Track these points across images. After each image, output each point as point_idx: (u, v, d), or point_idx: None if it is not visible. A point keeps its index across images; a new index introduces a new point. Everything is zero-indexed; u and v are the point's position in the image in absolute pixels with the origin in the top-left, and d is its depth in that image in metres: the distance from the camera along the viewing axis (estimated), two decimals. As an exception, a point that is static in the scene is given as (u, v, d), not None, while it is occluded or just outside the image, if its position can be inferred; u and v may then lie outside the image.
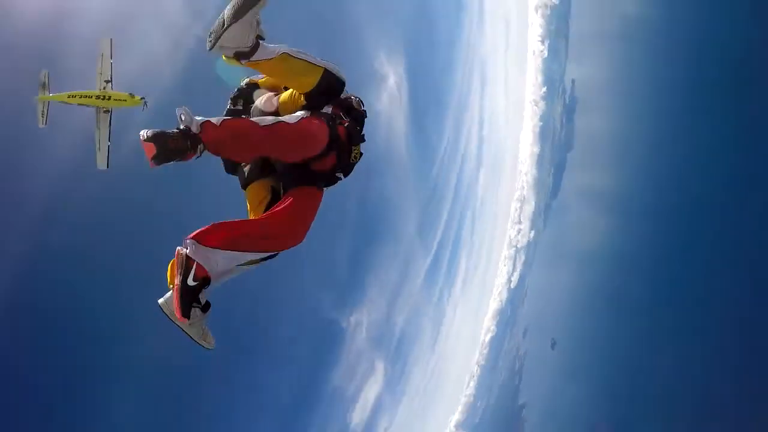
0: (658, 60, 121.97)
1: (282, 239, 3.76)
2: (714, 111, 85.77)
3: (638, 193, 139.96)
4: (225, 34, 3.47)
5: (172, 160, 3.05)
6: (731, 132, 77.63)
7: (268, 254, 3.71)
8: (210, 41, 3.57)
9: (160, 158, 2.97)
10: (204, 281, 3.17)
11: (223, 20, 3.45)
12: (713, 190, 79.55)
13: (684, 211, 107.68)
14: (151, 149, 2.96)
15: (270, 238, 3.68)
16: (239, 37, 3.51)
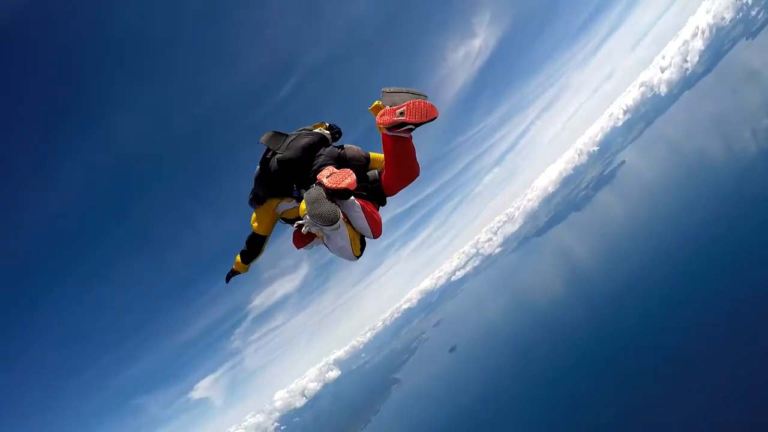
0: (697, 204, 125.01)
1: (376, 227, 5.29)
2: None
3: (603, 284, 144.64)
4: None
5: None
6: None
7: (362, 236, 5.36)
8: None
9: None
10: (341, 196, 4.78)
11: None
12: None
13: (626, 321, 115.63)
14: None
15: (373, 222, 5.21)
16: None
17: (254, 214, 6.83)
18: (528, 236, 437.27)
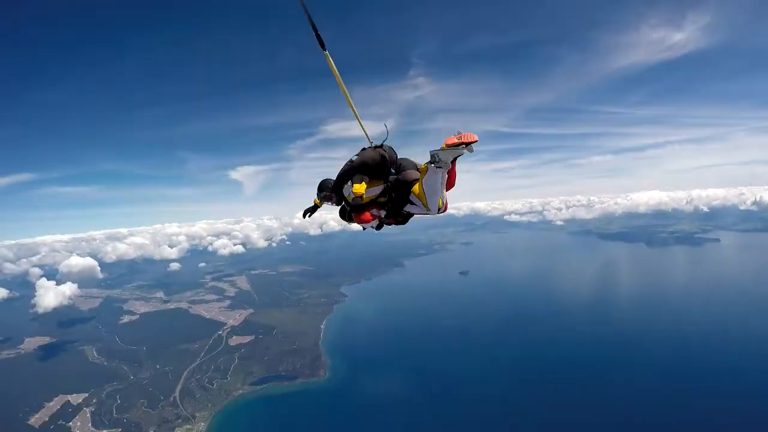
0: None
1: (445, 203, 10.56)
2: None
3: (623, 316, 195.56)
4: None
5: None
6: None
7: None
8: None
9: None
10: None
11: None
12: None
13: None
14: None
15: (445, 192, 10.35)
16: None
17: (362, 186, 10.71)
18: (592, 232, 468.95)
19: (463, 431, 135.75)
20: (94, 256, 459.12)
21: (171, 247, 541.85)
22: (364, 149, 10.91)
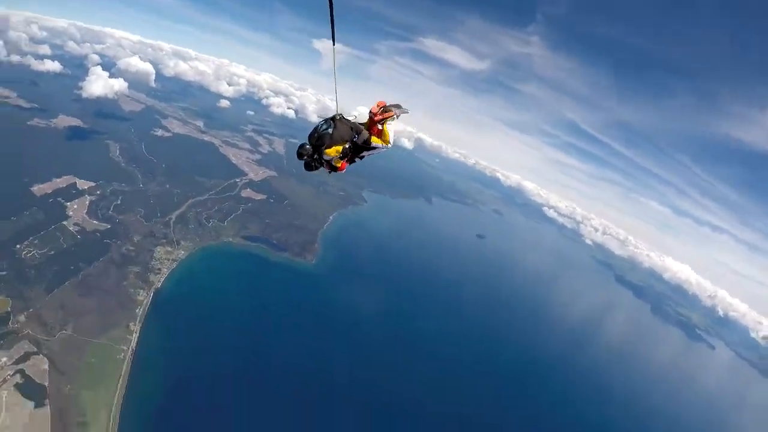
0: None
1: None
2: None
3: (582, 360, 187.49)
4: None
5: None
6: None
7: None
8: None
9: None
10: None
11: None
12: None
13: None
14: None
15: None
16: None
17: (335, 150, 15.65)
18: (612, 267, 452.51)
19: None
20: (154, 65, 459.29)
21: (229, 85, 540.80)
22: (333, 120, 16.15)
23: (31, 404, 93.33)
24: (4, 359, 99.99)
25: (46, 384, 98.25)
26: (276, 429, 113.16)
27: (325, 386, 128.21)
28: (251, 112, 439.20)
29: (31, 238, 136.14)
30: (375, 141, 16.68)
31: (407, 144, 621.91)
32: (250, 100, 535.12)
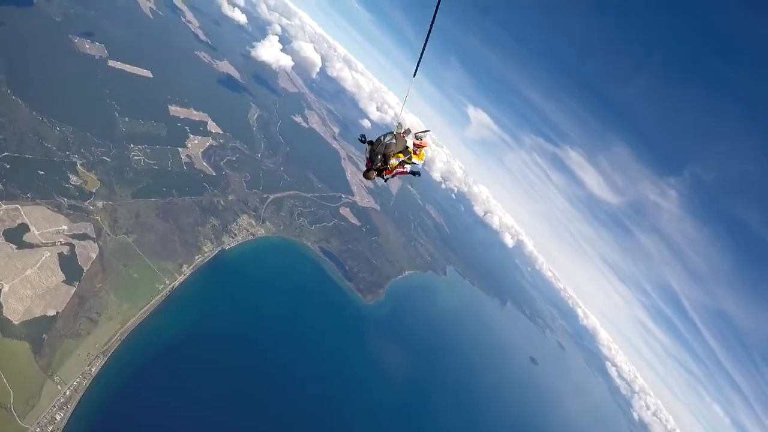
0: None
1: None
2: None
3: None
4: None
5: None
6: None
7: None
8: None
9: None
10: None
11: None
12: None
13: None
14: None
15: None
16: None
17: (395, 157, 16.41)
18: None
19: None
20: (323, 60, 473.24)
21: (378, 109, 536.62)
22: (395, 135, 16.75)
23: (62, 276, 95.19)
24: (65, 227, 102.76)
25: (85, 269, 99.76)
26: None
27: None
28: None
29: (145, 145, 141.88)
30: (415, 158, 17.94)
31: (509, 241, 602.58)
32: (388, 131, 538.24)
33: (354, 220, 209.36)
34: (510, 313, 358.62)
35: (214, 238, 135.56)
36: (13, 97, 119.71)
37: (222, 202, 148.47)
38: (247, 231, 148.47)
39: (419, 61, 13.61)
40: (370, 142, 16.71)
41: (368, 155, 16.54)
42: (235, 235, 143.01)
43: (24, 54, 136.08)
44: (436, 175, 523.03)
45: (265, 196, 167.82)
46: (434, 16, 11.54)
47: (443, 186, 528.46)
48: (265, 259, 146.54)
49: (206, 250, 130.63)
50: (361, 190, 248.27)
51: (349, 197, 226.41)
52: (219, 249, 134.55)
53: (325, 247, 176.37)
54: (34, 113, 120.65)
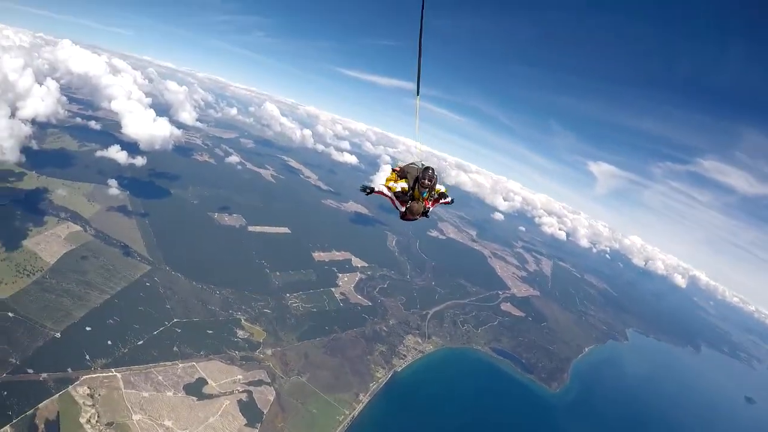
0: None
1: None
2: None
3: None
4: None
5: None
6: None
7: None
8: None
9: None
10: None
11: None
12: None
13: None
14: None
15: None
16: None
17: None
18: None
19: None
20: (438, 173, 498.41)
21: (504, 200, 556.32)
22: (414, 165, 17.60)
23: (243, 420, 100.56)
24: (240, 376, 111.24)
25: (265, 412, 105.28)
26: None
27: None
28: (522, 228, 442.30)
29: (300, 292, 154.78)
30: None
31: (680, 281, 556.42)
32: (522, 216, 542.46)
33: (518, 313, 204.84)
34: (707, 356, 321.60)
35: (384, 363, 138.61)
36: (173, 273, 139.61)
37: (384, 328, 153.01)
38: (416, 349, 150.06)
39: (418, 78, 14.09)
40: (371, 190, 16.43)
41: (394, 194, 16.60)
42: (405, 355, 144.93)
43: (173, 235, 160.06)
44: (584, 242, 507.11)
45: (424, 312, 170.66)
46: (421, 22, 12.39)
47: (594, 250, 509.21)
48: (440, 372, 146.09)
49: (379, 375, 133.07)
50: (516, 282, 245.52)
51: (506, 292, 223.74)
52: (392, 372, 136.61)
53: (497, 346, 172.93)
54: (193, 282, 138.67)
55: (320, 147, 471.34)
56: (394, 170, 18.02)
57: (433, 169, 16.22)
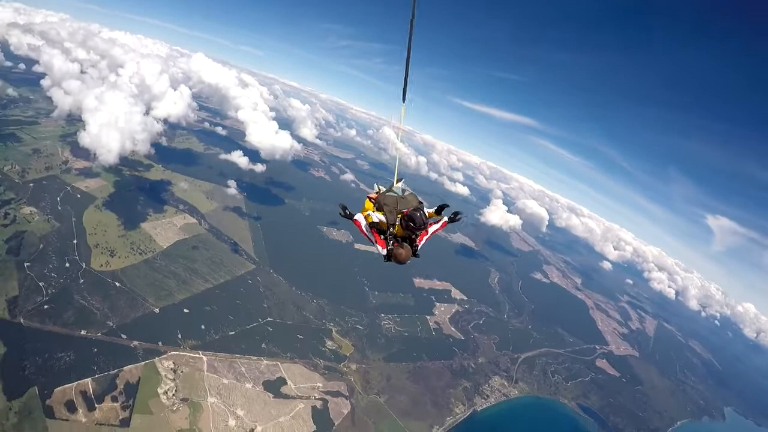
0: None
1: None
2: None
3: None
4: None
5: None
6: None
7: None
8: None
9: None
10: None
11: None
12: None
13: None
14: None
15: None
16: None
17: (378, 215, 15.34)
18: None
19: None
20: (549, 213, 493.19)
21: (615, 248, 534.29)
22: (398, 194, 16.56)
23: (312, 427, 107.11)
24: (319, 384, 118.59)
25: (336, 423, 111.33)
26: None
27: None
28: (630, 281, 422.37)
29: (395, 314, 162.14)
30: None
31: None
32: (632, 268, 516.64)
33: (612, 372, 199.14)
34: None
35: (465, 399, 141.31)
36: (275, 275, 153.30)
37: (472, 365, 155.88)
38: (500, 392, 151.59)
39: (405, 84, 13.91)
40: (349, 215, 15.72)
41: (370, 225, 15.56)
42: (488, 396, 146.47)
43: (281, 241, 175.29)
44: (693, 304, 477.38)
45: (515, 356, 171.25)
46: (411, 26, 12.43)
47: (703, 314, 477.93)
48: (520, 419, 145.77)
49: (458, 411, 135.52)
50: (615, 338, 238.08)
51: (604, 347, 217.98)
52: (471, 410, 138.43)
53: (584, 403, 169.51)
54: (293, 288, 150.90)
55: (434, 175, 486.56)
56: (369, 198, 16.62)
57: (421, 213, 14.42)
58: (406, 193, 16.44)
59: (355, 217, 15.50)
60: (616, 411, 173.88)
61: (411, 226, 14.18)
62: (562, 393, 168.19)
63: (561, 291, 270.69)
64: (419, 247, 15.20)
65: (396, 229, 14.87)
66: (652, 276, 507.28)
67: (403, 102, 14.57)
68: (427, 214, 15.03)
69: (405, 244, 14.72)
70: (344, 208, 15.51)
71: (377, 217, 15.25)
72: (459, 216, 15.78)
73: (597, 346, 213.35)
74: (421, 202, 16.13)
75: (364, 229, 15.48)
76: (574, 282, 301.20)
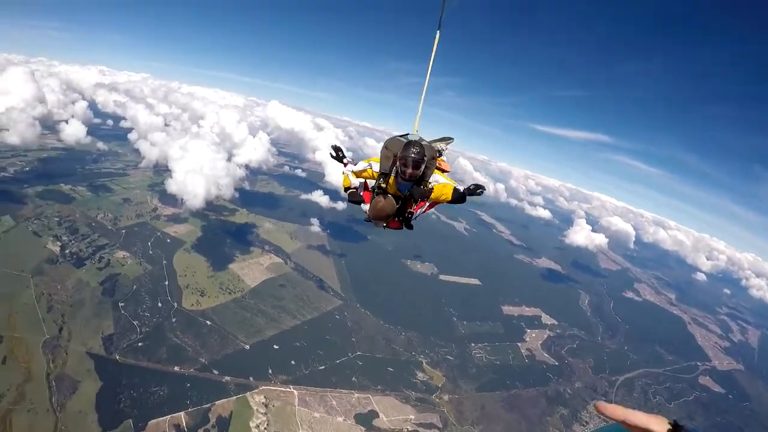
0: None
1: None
2: None
3: None
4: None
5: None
6: None
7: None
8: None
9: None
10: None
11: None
12: None
13: None
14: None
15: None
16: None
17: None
18: None
19: None
20: (634, 229, 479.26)
21: (707, 259, 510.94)
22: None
23: None
24: (412, 416, 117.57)
25: None
26: None
27: None
28: (727, 291, 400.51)
29: (485, 343, 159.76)
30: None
31: None
32: (728, 278, 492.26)
33: (717, 389, 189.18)
34: None
35: (563, 427, 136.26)
36: (363, 310, 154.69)
37: (569, 390, 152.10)
38: (599, 417, 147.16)
39: (442, 13, 11.13)
40: (340, 158, 12.85)
41: (356, 175, 12.47)
42: (587, 422, 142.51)
43: (366, 276, 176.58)
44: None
45: (613, 378, 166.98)
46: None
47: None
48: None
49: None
50: (717, 353, 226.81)
51: (706, 363, 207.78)
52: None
53: (689, 425, 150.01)
54: (381, 322, 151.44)
55: (513, 202, 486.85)
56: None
57: (420, 147, 10.46)
58: (423, 142, 11.36)
59: (345, 169, 12.52)
60: (725, 431, 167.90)
61: (409, 157, 10.23)
62: (666, 414, 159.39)
63: (655, 308, 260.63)
64: (415, 216, 12.42)
65: (389, 181, 11.37)
66: (750, 284, 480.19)
67: (438, 29, 11.63)
68: (434, 162, 11.60)
69: (389, 196, 11.29)
70: (337, 150, 12.83)
71: (362, 165, 12.19)
72: (480, 190, 11.20)
73: (698, 363, 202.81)
74: (439, 152, 12.56)
75: (352, 180, 12.46)
76: (668, 298, 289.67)
